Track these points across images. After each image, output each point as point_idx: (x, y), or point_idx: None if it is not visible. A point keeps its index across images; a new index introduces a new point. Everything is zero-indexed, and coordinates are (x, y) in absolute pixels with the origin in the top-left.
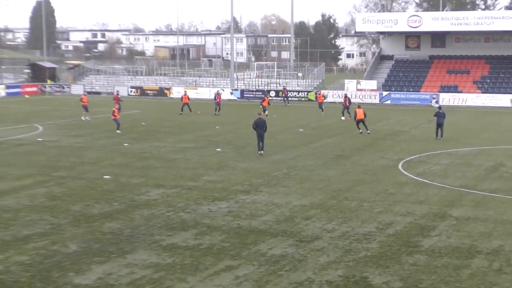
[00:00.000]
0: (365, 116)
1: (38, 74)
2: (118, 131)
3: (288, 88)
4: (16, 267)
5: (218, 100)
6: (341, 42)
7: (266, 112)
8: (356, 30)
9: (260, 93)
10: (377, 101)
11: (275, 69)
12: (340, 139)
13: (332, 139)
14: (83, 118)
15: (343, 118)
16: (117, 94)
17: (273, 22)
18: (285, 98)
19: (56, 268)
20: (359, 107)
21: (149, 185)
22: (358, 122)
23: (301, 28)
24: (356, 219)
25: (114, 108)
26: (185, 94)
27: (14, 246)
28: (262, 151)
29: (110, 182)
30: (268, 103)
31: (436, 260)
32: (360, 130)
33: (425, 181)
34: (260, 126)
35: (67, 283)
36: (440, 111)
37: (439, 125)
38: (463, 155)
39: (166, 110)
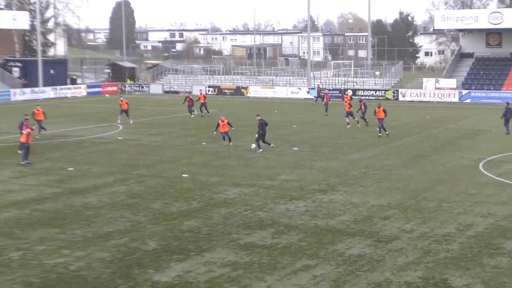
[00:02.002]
0: (385, 115)
1: (118, 73)
2: (230, 143)
3: (365, 87)
4: (97, 264)
5: (326, 100)
6: (419, 40)
7: (356, 118)
8: (435, 28)
9: (338, 91)
10: (456, 99)
11: (352, 68)
12: (418, 138)
13: (411, 138)
14: (119, 121)
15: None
16: (201, 94)
17: (350, 21)
18: (318, 98)
19: (136, 265)
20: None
21: (226, 183)
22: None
23: (378, 27)
24: (435, 220)
25: (220, 120)
26: (201, 93)
27: (95, 243)
28: (272, 145)
29: (188, 180)
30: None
31: None
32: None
33: (508, 181)
34: (262, 127)
35: (146, 280)
36: (509, 107)
37: (507, 121)
38: None
39: (243, 109)
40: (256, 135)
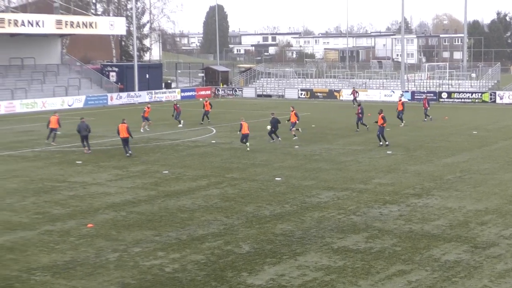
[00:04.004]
0: (384, 122)
1: (212, 77)
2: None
3: (460, 90)
4: (192, 266)
5: (425, 106)
6: None
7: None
8: None
9: (433, 94)
10: None
11: (447, 70)
12: None
13: (509, 142)
14: (142, 129)
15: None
16: (207, 102)
17: (445, 22)
18: (354, 100)
19: (230, 268)
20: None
21: (319, 187)
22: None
23: (474, 27)
24: None
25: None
26: (206, 101)
27: (190, 246)
28: (279, 139)
29: (281, 184)
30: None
31: None
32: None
33: None
34: (273, 124)
35: (240, 283)
36: None
37: None
38: None
39: (336, 112)
40: (268, 127)
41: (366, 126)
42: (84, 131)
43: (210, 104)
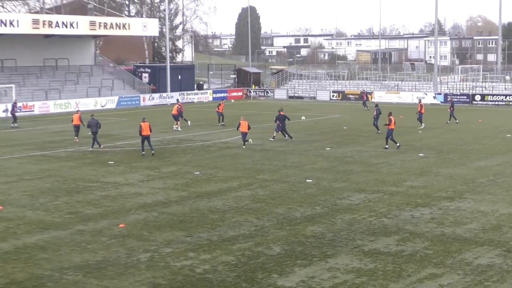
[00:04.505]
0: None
1: (243, 79)
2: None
3: (494, 92)
4: (222, 267)
5: (451, 109)
6: None
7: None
8: None
9: (466, 97)
10: None
11: (481, 73)
12: None
13: None
14: (175, 127)
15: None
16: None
17: (479, 24)
18: (366, 101)
19: (260, 269)
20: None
21: (351, 189)
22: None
23: (509, 29)
24: None
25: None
26: (221, 103)
27: (220, 247)
28: (292, 138)
29: (312, 186)
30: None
31: None
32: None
33: None
34: (281, 120)
35: (270, 285)
36: None
37: None
38: None
39: (368, 115)
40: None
41: (378, 130)
42: (95, 127)
43: (223, 107)
